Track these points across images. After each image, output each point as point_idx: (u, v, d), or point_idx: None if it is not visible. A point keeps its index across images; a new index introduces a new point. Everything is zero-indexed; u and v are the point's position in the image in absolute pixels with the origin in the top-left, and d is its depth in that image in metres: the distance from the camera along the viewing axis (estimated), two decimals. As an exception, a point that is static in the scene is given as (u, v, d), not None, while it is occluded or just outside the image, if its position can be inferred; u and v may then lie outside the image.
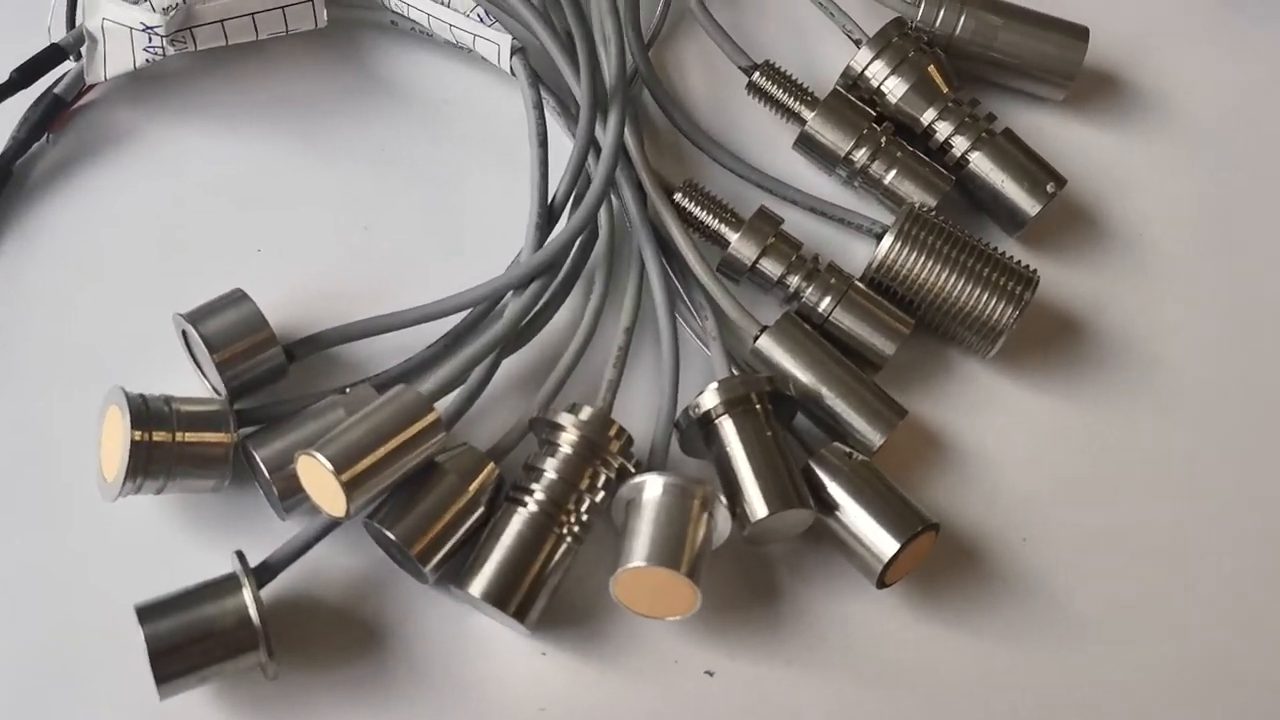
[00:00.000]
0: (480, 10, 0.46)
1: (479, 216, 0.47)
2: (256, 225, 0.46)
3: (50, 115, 0.44)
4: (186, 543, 0.41)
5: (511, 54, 0.45)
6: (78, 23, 0.44)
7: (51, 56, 0.44)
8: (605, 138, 0.44)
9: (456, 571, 0.39)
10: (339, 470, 0.37)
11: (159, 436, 0.38)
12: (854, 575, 0.41)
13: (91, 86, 0.46)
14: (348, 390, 0.41)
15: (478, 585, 0.39)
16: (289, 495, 0.39)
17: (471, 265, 0.45)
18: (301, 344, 0.42)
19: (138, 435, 0.38)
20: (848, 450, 0.42)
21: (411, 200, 0.48)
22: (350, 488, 0.37)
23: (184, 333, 0.42)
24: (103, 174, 0.46)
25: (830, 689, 0.41)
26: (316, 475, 0.38)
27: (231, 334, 0.41)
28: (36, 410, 0.43)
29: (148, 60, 0.44)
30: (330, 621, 0.40)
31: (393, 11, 0.48)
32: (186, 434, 0.39)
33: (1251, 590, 0.43)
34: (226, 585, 0.38)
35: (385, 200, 0.47)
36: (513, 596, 0.39)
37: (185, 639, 0.37)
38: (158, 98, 0.48)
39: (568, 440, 0.40)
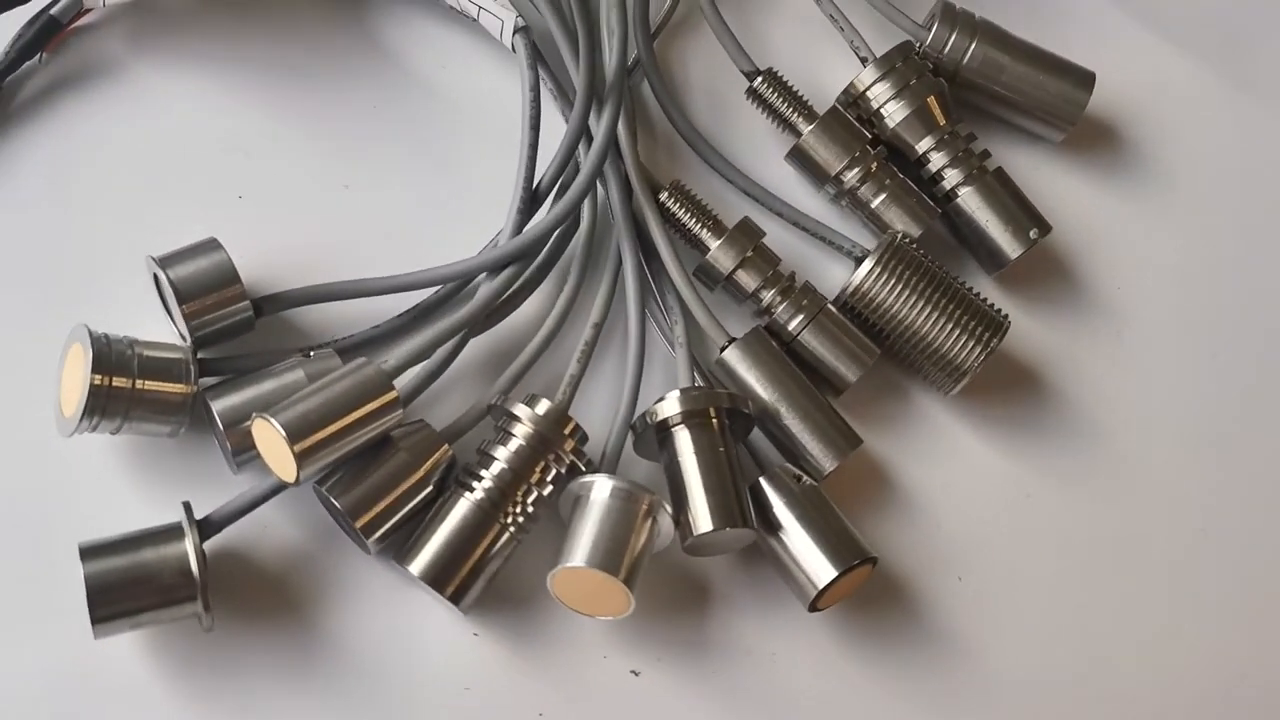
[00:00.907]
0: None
1: (463, 192, 0.47)
2: (239, 172, 0.46)
3: (45, 36, 0.44)
4: (137, 486, 0.41)
5: (515, 31, 0.45)
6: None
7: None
8: (598, 128, 0.44)
9: (399, 547, 0.40)
10: (293, 439, 0.37)
11: (119, 382, 0.39)
12: (786, 596, 0.42)
13: (88, 10, 0.45)
14: (311, 354, 0.41)
15: (417, 565, 0.39)
16: (242, 451, 0.40)
17: (449, 240, 0.45)
18: (269, 300, 0.42)
19: (98, 379, 0.38)
20: (798, 473, 0.42)
21: (397, 166, 0.47)
22: (302, 458, 0.37)
23: (155, 276, 0.42)
24: (91, 103, 0.46)
25: (748, 705, 0.42)
26: (270, 439, 0.38)
27: (202, 284, 0.40)
28: (-2, 335, 0.43)
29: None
30: (271, 581, 0.41)
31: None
32: (147, 381, 0.39)
33: (1170, 653, 0.44)
34: (170, 534, 0.38)
35: (371, 163, 0.47)
36: (451, 579, 0.40)
37: (124, 581, 0.37)
38: (152, 33, 0.47)
39: (522, 432, 0.41)
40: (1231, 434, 0.47)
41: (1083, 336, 0.48)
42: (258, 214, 0.45)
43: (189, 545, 0.38)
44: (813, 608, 0.41)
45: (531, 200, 0.44)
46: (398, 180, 0.47)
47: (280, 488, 0.39)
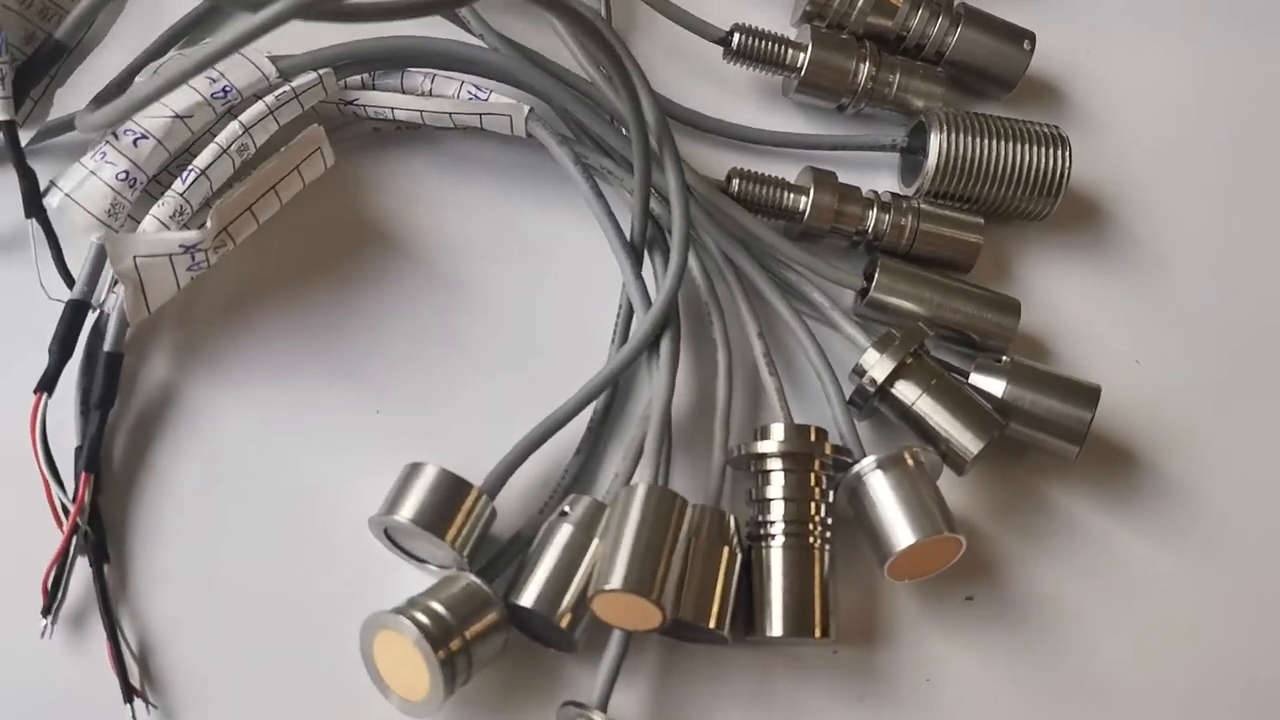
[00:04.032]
0: (470, 87, 0.44)
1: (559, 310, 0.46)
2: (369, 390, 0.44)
3: (114, 377, 0.40)
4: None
5: (526, 119, 0.44)
6: (102, 275, 0.40)
7: (77, 315, 0.40)
8: (667, 176, 0.44)
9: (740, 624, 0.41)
10: (646, 591, 0.37)
11: (454, 645, 0.37)
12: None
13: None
14: (566, 509, 0.41)
15: (816, 629, 0.40)
16: (575, 628, 0.39)
17: (579, 353, 0.45)
18: (494, 485, 0.41)
19: (441, 655, 0.37)
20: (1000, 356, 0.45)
21: (493, 320, 0.46)
22: (660, 601, 0.38)
23: (386, 532, 0.40)
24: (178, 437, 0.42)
25: None
26: (618, 604, 0.38)
27: (440, 506, 0.39)
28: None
29: (191, 278, 0.40)
30: None
31: (372, 120, 0.45)
32: (469, 626, 0.38)
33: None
34: None
35: (471, 331, 0.45)
36: (814, 621, 0.41)
37: None
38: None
39: (779, 464, 0.41)
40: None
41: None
42: (392, 426, 0.44)
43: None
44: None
45: (637, 258, 0.44)
46: (496, 334, 0.45)
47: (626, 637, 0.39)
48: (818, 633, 0.41)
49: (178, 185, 0.40)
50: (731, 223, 0.46)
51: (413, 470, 0.40)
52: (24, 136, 0.41)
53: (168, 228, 0.39)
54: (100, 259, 0.40)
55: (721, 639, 0.40)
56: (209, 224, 0.39)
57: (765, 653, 0.42)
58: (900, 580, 0.42)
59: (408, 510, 0.39)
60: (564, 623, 0.39)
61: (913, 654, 0.43)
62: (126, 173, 0.40)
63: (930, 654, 0.43)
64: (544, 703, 0.40)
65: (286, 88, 0.42)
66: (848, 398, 0.44)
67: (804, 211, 0.46)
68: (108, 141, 0.40)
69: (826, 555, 0.41)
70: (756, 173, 0.46)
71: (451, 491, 0.39)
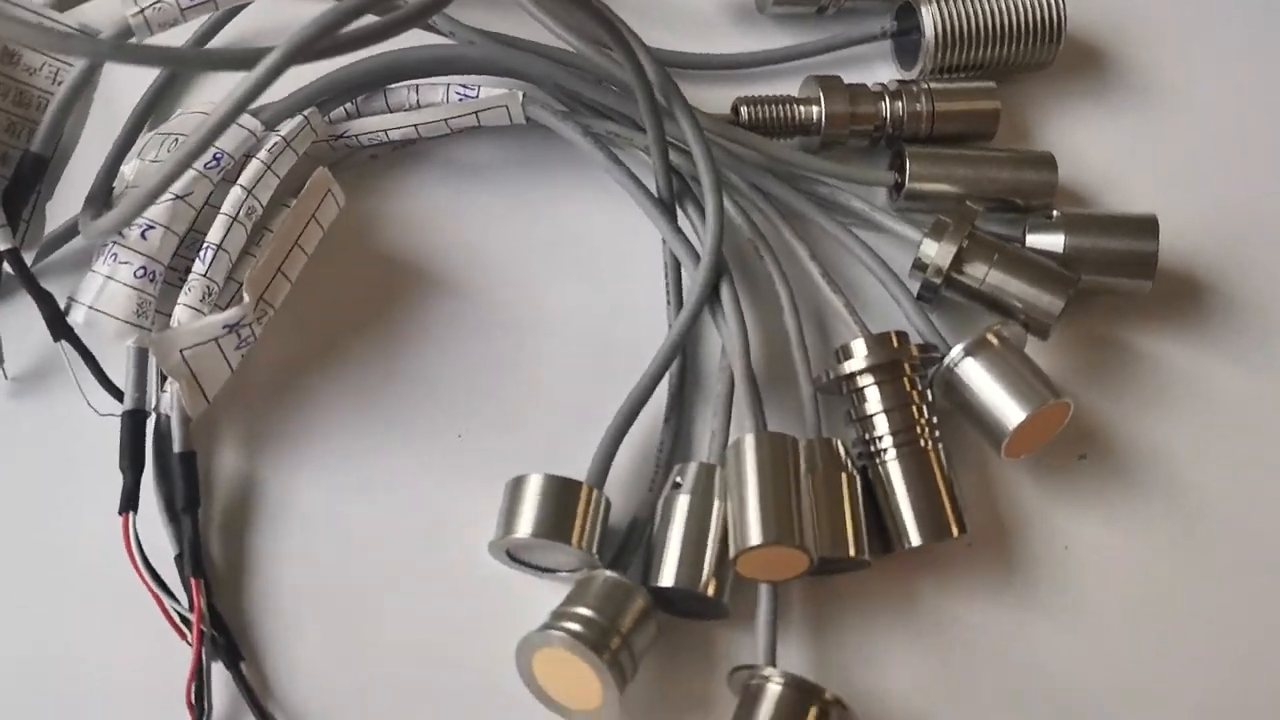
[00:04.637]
0: (457, 89, 0.42)
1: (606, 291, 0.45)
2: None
3: (192, 477, 0.38)
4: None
5: (522, 103, 0.42)
6: (149, 378, 0.38)
7: (136, 425, 0.38)
8: (683, 127, 0.42)
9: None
10: (789, 541, 0.36)
11: (614, 644, 0.36)
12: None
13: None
14: (679, 480, 0.40)
15: (927, 531, 0.40)
16: (722, 593, 0.38)
17: (621, 326, 0.44)
18: (595, 474, 0.40)
19: (605, 657, 0.36)
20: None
21: (544, 317, 0.44)
22: (806, 547, 0.37)
23: (508, 552, 0.39)
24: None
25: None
26: (762, 559, 0.37)
27: (556, 509, 0.38)
28: None
29: (242, 356, 0.38)
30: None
31: (367, 147, 0.43)
32: (621, 622, 0.37)
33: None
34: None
35: (525, 335, 0.44)
36: (948, 521, 0.40)
37: None
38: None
39: (869, 378, 0.41)
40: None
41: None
42: (477, 448, 0.42)
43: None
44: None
45: (670, 213, 0.43)
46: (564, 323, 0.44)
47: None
48: (954, 531, 0.40)
49: (198, 266, 0.38)
50: (752, 153, 0.44)
51: (517, 484, 0.39)
52: (26, 258, 0.39)
53: (202, 313, 0.38)
54: (142, 362, 0.39)
55: (863, 564, 0.40)
56: (246, 297, 0.37)
57: (903, 567, 0.42)
58: (1015, 458, 0.41)
59: (525, 525, 0.38)
60: (710, 591, 0.38)
61: (1044, 528, 0.43)
62: (143, 268, 0.38)
63: (1060, 523, 0.43)
64: (707, 675, 0.39)
65: (276, 138, 0.40)
66: (916, 294, 0.43)
67: (819, 121, 0.45)
68: (114, 241, 0.38)
69: (941, 453, 0.41)
70: (762, 96, 0.45)
71: (562, 494, 0.38)
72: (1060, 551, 0.42)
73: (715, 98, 0.47)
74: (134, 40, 0.38)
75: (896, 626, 0.41)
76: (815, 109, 0.45)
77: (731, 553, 0.37)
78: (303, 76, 0.41)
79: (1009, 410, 0.40)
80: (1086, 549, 0.42)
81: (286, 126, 0.40)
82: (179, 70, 0.43)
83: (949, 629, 0.41)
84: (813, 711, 0.37)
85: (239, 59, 0.32)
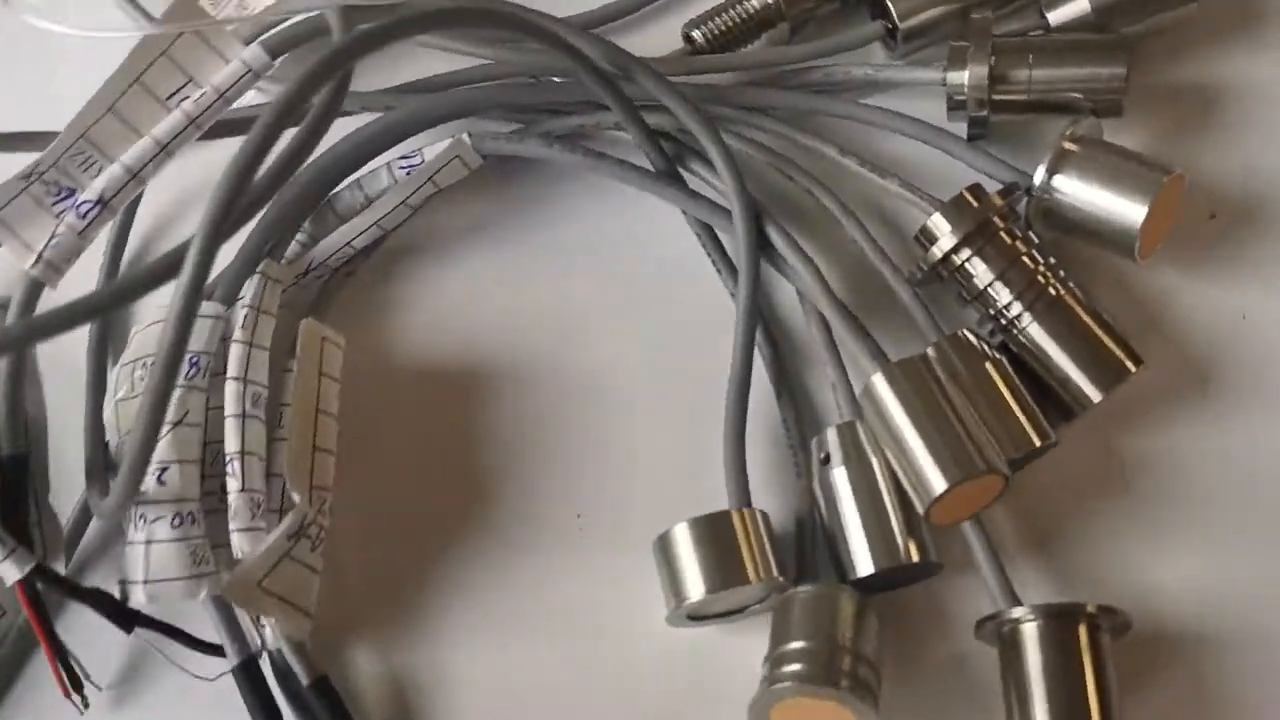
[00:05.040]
0: (398, 164, 0.37)
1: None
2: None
3: (336, 703, 0.34)
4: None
5: (471, 143, 0.37)
6: (241, 620, 0.34)
7: (252, 674, 0.34)
8: (647, 86, 0.37)
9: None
10: (974, 471, 0.32)
11: (845, 664, 0.32)
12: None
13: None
14: (825, 455, 0.35)
15: (1102, 380, 0.35)
16: (926, 551, 0.34)
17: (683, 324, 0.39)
18: (737, 492, 0.35)
19: (845, 684, 0.31)
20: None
21: (603, 357, 0.39)
22: (995, 468, 0.32)
23: (689, 616, 0.35)
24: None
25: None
26: (954, 501, 0.32)
27: (718, 554, 0.33)
28: None
29: (321, 555, 0.34)
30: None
31: (340, 268, 0.39)
32: (841, 636, 0.32)
33: None
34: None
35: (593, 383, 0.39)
36: (1118, 359, 0.35)
37: None
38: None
39: (966, 250, 0.35)
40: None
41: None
42: (600, 522, 0.37)
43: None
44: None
45: (677, 179, 0.38)
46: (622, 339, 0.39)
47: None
48: (1130, 366, 0.35)
49: (232, 484, 0.34)
50: (727, 75, 0.39)
51: (664, 544, 0.34)
52: (57, 565, 0.35)
53: (261, 530, 0.33)
54: (225, 608, 0.35)
55: (1050, 445, 0.35)
56: (296, 497, 0.33)
57: (1091, 428, 0.36)
58: (1152, 248, 0.36)
59: (694, 585, 0.33)
60: (915, 557, 0.34)
61: (1211, 312, 0.38)
62: (177, 515, 0.34)
63: (1226, 295, 0.38)
64: (949, 634, 0.35)
65: (244, 310, 0.35)
66: (967, 136, 0.38)
67: (777, 5, 0.39)
68: (136, 502, 0.34)
69: (1075, 290, 0.36)
70: (707, 12, 0.40)
71: (715, 532, 0.34)
72: (1239, 321, 0.38)
73: (661, 35, 0.41)
74: (46, 289, 0.34)
75: (1111, 494, 0.36)
76: (764, -5, 0.39)
77: (920, 509, 0.33)
78: (240, 234, 0.36)
79: (1127, 209, 0.35)
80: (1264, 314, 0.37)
81: (249, 292, 0.35)
82: (109, 313, 0.38)
83: (1163, 467, 0.36)
84: (1082, 633, 0.32)
85: (163, 269, 0.28)
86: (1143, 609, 0.34)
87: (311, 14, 0.37)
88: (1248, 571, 0.35)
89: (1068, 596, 0.35)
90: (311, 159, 0.35)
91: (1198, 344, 0.38)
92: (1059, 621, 0.33)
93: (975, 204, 0.36)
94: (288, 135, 0.31)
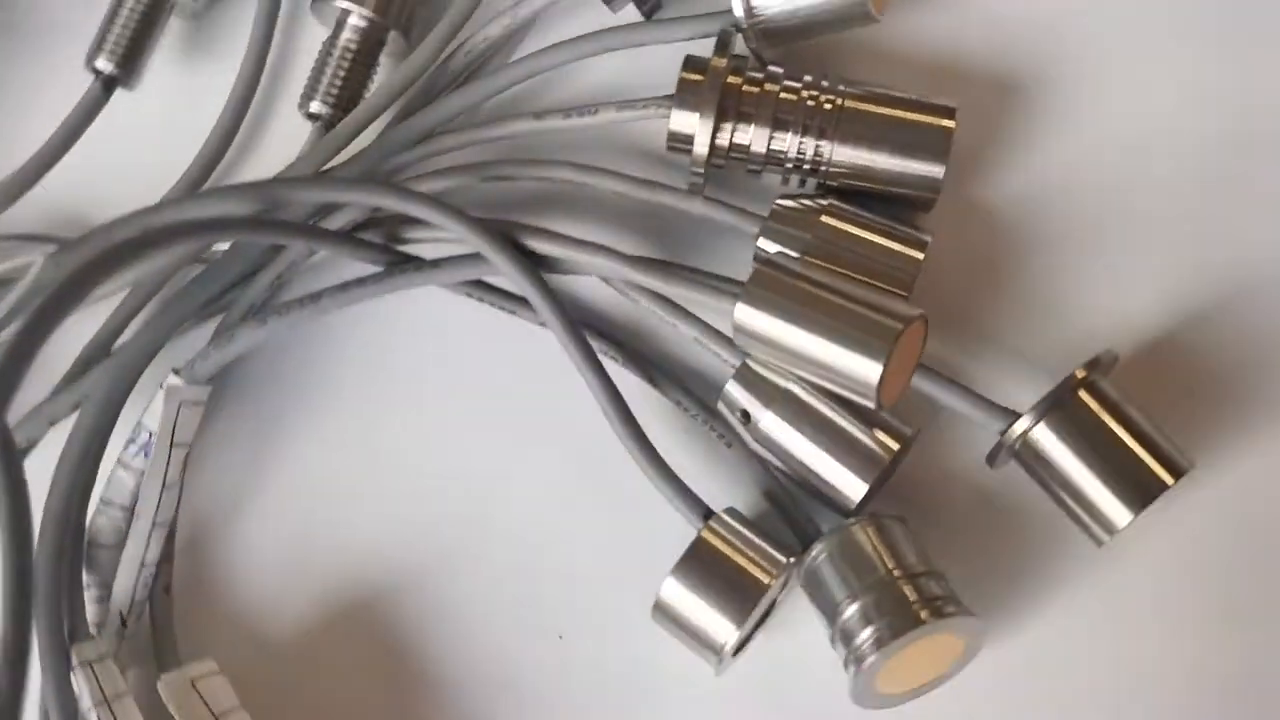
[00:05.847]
0: (133, 460, 0.31)
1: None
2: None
3: None
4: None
5: (185, 380, 0.31)
6: None
7: None
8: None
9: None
10: (891, 338, 0.28)
11: (910, 595, 0.28)
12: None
13: None
14: (742, 414, 0.31)
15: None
16: (900, 436, 0.30)
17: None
18: (691, 509, 0.31)
19: (924, 614, 0.28)
20: None
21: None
22: (906, 315, 0.28)
23: (734, 654, 0.30)
24: None
25: None
26: (897, 368, 0.28)
27: (722, 583, 0.29)
28: None
29: None
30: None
31: (149, 597, 0.32)
32: (884, 570, 0.29)
33: None
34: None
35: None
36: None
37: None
38: None
39: (725, 116, 0.31)
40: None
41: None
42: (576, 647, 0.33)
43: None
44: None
45: (403, 260, 0.32)
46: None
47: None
48: (950, 123, 0.31)
49: None
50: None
51: (664, 610, 0.30)
52: None
53: None
54: None
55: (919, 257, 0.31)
56: None
57: (949, 206, 0.32)
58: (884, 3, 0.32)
59: (721, 628, 0.29)
60: (894, 445, 0.30)
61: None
62: None
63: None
64: (962, 488, 0.32)
65: (93, 712, 0.29)
66: (642, 15, 0.33)
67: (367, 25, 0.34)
68: None
69: (853, 89, 0.31)
70: (307, 81, 0.34)
71: (703, 564, 0.30)
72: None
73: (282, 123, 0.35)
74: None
75: (1006, 247, 0.33)
76: None
77: (870, 403, 0.28)
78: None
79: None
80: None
81: (84, 691, 0.29)
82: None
83: (1028, 203, 0.33)
84: (1086, 398, 0.29)
85: None
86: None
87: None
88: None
89: (1035, 370, 0.32)
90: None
91: (996, 66, 0.34)
92: (1061, 408, 0.29)
93: (700, 77, 0.31)
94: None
